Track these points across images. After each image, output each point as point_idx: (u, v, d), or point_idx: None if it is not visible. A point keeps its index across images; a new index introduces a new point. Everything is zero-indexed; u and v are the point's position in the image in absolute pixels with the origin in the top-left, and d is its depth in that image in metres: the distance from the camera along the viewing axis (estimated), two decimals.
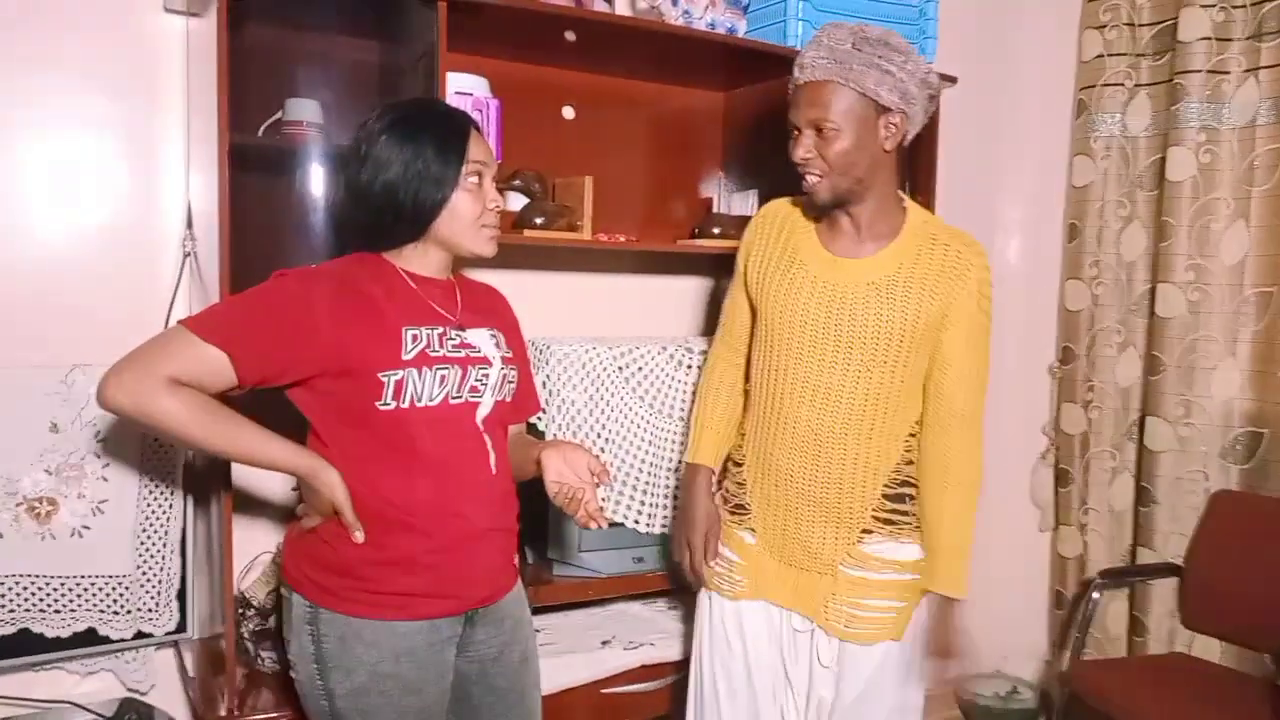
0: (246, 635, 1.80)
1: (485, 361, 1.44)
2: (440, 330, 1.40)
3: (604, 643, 2.00)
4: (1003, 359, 2.78)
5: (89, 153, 1.84)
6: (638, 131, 2.34)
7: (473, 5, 1.75)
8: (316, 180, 1.85)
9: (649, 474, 2.04)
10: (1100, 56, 2.70)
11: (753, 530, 1.68)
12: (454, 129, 1.40)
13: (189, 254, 1.85)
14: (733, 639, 1.69)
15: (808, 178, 1.54)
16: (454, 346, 1.40)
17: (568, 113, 2.25)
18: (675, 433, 2.06)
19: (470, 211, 1.39)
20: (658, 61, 2.18)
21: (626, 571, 2.04)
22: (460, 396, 1.40)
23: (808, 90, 1.51)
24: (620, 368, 1.99)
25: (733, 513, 1.71)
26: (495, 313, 1.54)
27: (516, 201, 2.09)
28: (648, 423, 2.02)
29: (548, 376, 1.92)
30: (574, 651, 1.95)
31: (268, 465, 1.35)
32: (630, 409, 2.01)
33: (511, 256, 2.14)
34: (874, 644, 1.60)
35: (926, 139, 2.28)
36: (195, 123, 1.83)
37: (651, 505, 2.05)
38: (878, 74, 1.47)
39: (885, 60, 1.48)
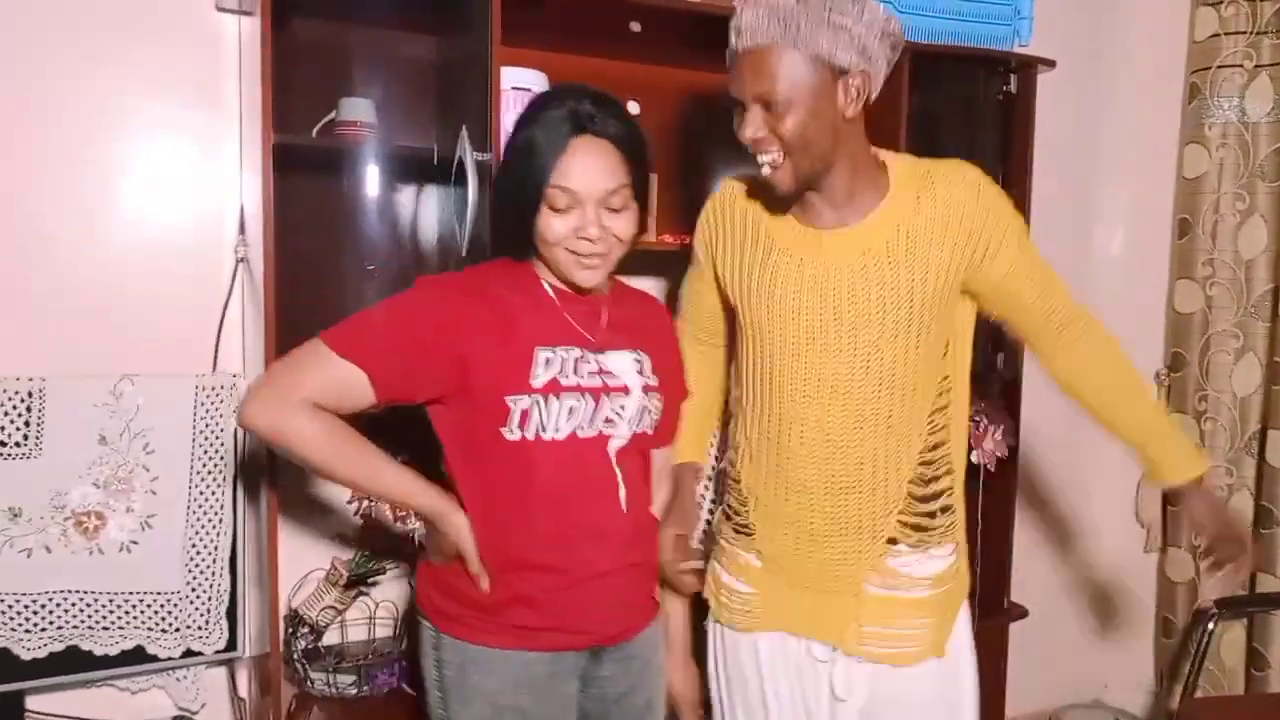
0: (298, 655, 1.74)
1: (623, 390, 1.31)
2: (578, 353, 1.28)
3: None
4: None
5: (142, 157, 1.80)
6: (706, 126, 2.21)
7: None
8: (372, 181, 1.78)
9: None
10: (1215, 36, 2.48)
11: (759, 553, 1.46)
12: (554, 137, 1.23)
13: (241, 259, 1.80)
14: (749, 675, 1.49)
15: (761, 160, 1.30)
16: (590, 373, 1.28)
17: (633, 107, 2.13)
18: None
19: (552, 234, 1.24)
20: (727, 51, 2.06)
21: None
22: (591, 429, 1.28)
23: (750, 59, 1.26)
24: None
25: (736, 533, 1.49)
26: (646, 330, 1.39)
27: None
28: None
29: None
30: None
31: (398, 501, 1.33)
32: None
33: None
34: (914, 664, 1.39)
35: (1022, 127, 2.12)
36: (249, 124, 1.77)
37: None
38: (830, 32, 1.23)
39: (837, 13, 1.24)
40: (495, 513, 1.27)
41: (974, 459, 2.05)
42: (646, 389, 1.33)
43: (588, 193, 1.23)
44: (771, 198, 1.40)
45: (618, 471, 1.31)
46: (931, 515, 1.41)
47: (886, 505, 1.39)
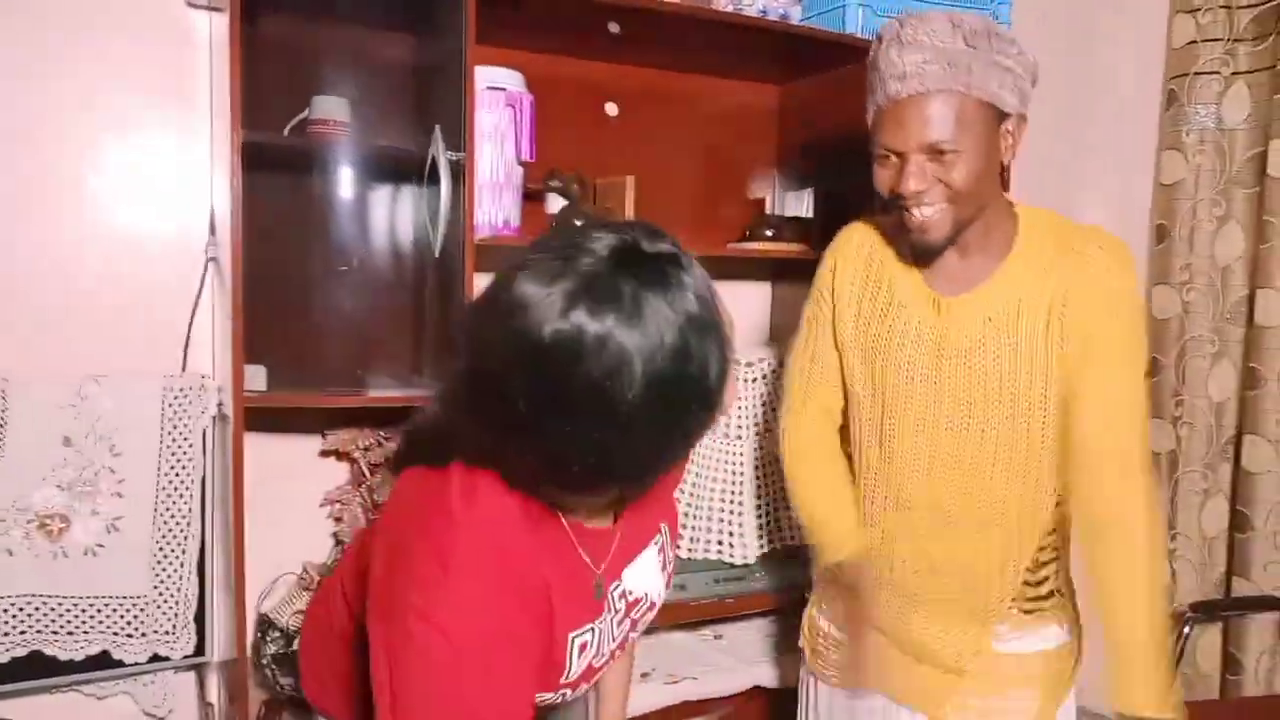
0: (267, 659, 1.71)
1: (650, 607, 1.10)
2: (606, 622, 1.01)
3: (644, 675, 1.86)
4: None
5: (112, 155, 1.77)
6: (685, 128, 2.21)
7: None
8: (345, 181, 1.76)
9: (692, 496, 1.90)
10: (1193, 43, 2.48)
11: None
12: (715, 401, 0.85)
13: (211, 259, 1.77)
14: None
15: (918, 213, 1.20)
16: (618, 620, 1.03)
17: (610, 109, 2.12)
18: (724, 451, 1.92)
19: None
20: (707, 53, 2.05)
21: (668, 599, 1.90)
22: (606, 654, 1.04)
23: (915, 105, 1.16)
24: None
25: (847, 588, 1.40)
26: (665, 482, 1.10)
27: (554, 204, 1.98)
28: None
29: None
30: None
31: None
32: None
33: None
34: None
35: None
36: (219, 122, 1.75)
37: (695, 529, 1.92)
38: (1000, 74, 1.16)
39: (1003, 55, 1.16)
40: None
41: None
42: (668, 581, 1.13)
43: None
44: (899, 246, 1.32)
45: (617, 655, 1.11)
46: (1044, 598, 1.32)
47: (1001, 592, 1.30)
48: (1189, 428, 2.54)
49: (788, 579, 1.98)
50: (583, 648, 0.97)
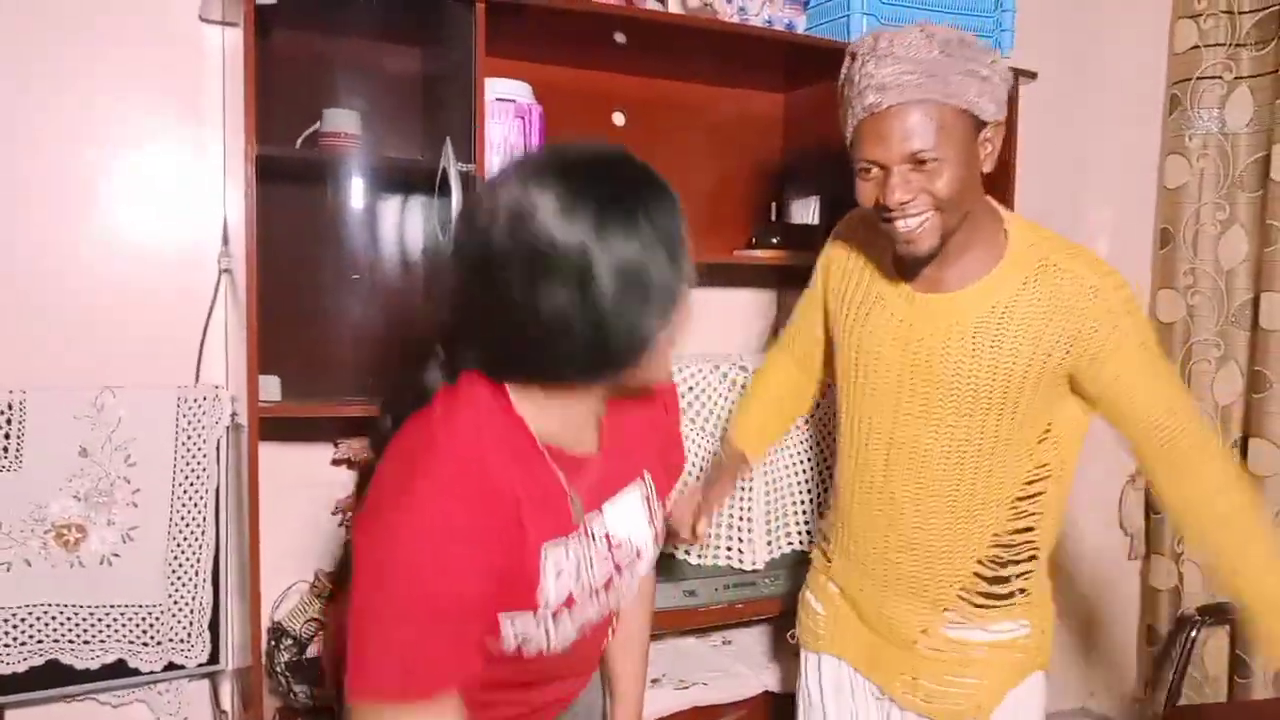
0: (281, 667, 1.73)
1: (638, 556, 1.09)
2: (582, 543, 1.00)
3: (654, 681, 1.87)
4: None
5: (126, 168, 1.79)
6: (691, 137, 2.22)
7: (513, 5, 1.65)
8: (356, 192, 1.78)
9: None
10: (1195, 48, 2.50)
11: (835, 581, 1.51)
12: (678, 229, 0.94)
13: (225, 270, 1.79)
14: (812, 689, 1.53)
15: (904, 224, 1.21)
16: (602, 559, 1.03)
17: (617, 119, 2.14)
18: None
19: (683, 325, 0.97)
20: (712, 62, 2.07)
21: (678, 605, 1.91)
22: (599, 611, 1.05)
23: (896, 116, 1.17)
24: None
25: (822, 556, 1.54)
26: (640, 429, 1.12)
27: None
28: (699, 447, 1.89)
29: None
30: None
31: None
32: (683, 433, 1.89)
33: None
34: None
35: (1004, 138, 2.13)
36: (232, 135, 1.77)
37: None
38: (977, 82, 1.17)
39: (978, 64, 1.18)
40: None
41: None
42: (657, 536, 1.13)
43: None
44: (884, 242, 1.33)
45: (614, 619, 1.15)
46: (1003, 596, 1.36)
47: (948, 576, 1.35)
48: None
49: (797, 584, 1.98)
50: (558, 567, 0.96)
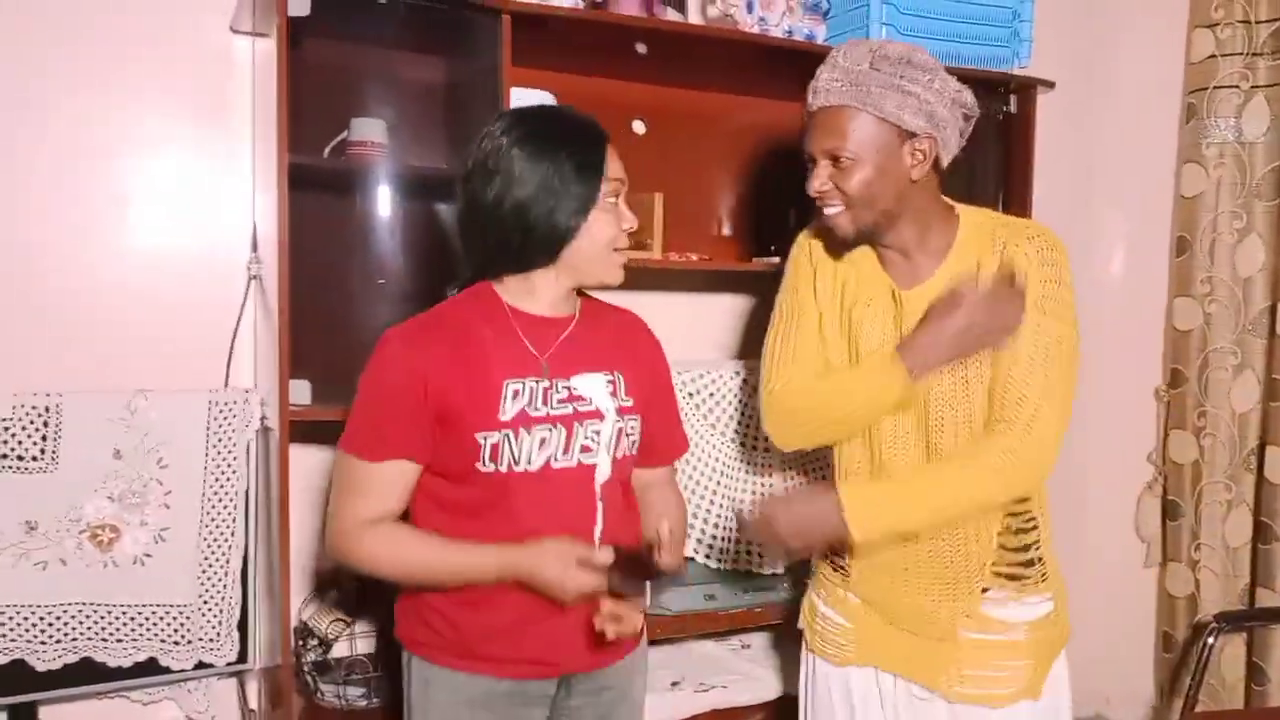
0: (308, 667, 1.76)
1: (597, 415, 1.31)
2: (546, 384, 1.28)
3: (674, 684, 1.90)
4: (1102, 380, 2.62)
5: (157, 176, 1.83)
6: (710, 145, 2.25)
7: (538, 18, 1.69)
8: (383, 200, 1.81)
9: (721, 506, 1.93)
10: (1212, 57, 2.51)
11: (854, 592, 1.52)
12: (592, 141, 1.28)
13: (254, 277, 1.83)
14: (839, 707, 1.53)
15: (826, 211, 1.39)
16: (560, 401, 1.29)
17: (638, 127, 2.17)
18: (750, 463, 1.95)
19: (606, 234, 1.27)
20: (732, 72, 2.09)
21: (698, 609, 1.92)
22: (568, 459, 1.29)
23: (821, 117, 1.36)
24: (691, 394, 1.90)
25: (834, 570, 1.55)
26: (622, 349, 1.38)
27: None
28: (720, 451, 1.91)
29: None
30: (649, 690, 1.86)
31: (481, 579, 1.26)
32: (701, 437, 1.91)
33: None
34: (1008, 705, 1.42)
35: (1022, 147, 2.16)
36: (261, 144, 1.80)
37: (724, 540, 1.95)
38: (899, 96, 1.31)
39: (908, 81, 1.32)
40: (468, 534, 1.27)
41: None
42: (622, 411, 1.33)
43: (624, 187, 1.31)
44: (850, 249, 1.46)
45: (600, 505, 1.31)
46: (1025, 565, 1.44)
47: (981, 555, 1.42)
48: (1212, 439, 2.56)
49: None
50: (515, 394, 1.26)
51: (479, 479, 1.26)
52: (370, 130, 1.76)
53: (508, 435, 1.24)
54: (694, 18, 2.11)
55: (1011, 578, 1.44)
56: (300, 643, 1.79)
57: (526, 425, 1.25)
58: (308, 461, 1.81)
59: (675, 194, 2.02)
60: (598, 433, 1.30)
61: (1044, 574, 1.45)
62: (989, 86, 2.12)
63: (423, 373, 1.24)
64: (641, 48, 1.90)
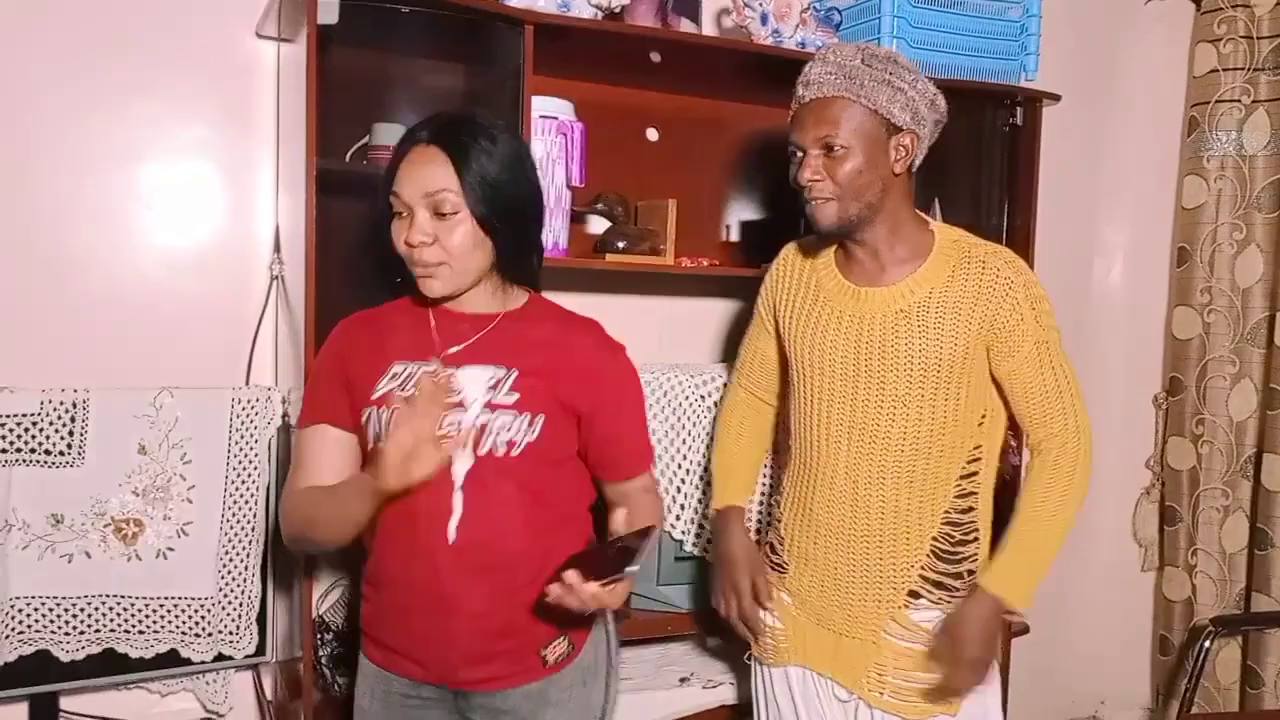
0: (324, 660, 1.79)
1: (458, 405, 1.27)
2: (432, 367, 1.29)
3: (682, 680, 1.93)
4: (1103, 387, 2.67)
5: (180, 178, 1.86)
6: (722, 152, 2.28)
7: (559, 29, 1.72)
8: None
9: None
10: (1214, 71, 2.56)
11: (790, 590, 1.56)
12: (400, 149, 1.30)
13: (276, 277, 1.86)
14: (784, 705, 1.58)
15: (813, 202, 1.43)
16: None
17: (651, 134, 2.21)
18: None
19: (397, 243, 1.29)
20: (745, 82, 2.13)
21: (708, 607, 1.97)
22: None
23: (815, 108, 1.41)
24: (703, 396, 1.94)
25: (773, 569, 1.60)
26: (542, 350, 1.32)
27: (596, 225, 2.06)
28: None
29: None
30: (651, 689, 1.90)
31: (365, 508, 1.24)
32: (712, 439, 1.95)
33: (594, 280, 2.12)
34: (924, 718, 1.46)
35: (1027, 159, 2.19)
36: (285, 147, 1.84)
37: None
38: (890, 91, 1.39)
39: (896, 78, 1.39)
40: (372, 524, 1.30)
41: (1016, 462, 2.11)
42: (493, 406, 1.28)
43: (410, 196, 1.25)
44: (825, 255, 1.54)
45: (457, 496, 1.26)
46: (957, 576, 1.47)
47: (909, 558, 1.46)
48: (1209, 446, 2.60)
49: None
50: (395, 375, 1.30)
51: (369, 455, 1.32)
52: (392, 135, 1.76)
53: (373, 411, 1.30)
54: (708, 28, 2.14)
55: (940, 585, 1.46)
56: (317, 637, 1.82)
57: (388, 404, 1.28)
58: None
59: (687, 200, 2.06)
60: (455, 424, 1.26)
61: (973, 586, 1.46)
62: (996, 99, 2.16)
63: (343, 350, 1.36)
64: (656, 57, 1.94)
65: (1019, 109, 2.18)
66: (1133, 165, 2.78)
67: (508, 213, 1.28)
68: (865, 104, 1.39)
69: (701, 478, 1.93)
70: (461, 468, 1.27)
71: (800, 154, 1.44)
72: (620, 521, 1.26)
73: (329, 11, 1.55)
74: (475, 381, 1.29)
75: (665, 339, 2.25)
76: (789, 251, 1.64)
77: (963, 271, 1.43)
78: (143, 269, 1.84)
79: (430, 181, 1.24)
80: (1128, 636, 2.82)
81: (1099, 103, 2.74)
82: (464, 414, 1.27)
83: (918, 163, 1.46)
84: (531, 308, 1.38)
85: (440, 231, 1.25)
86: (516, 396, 1.28)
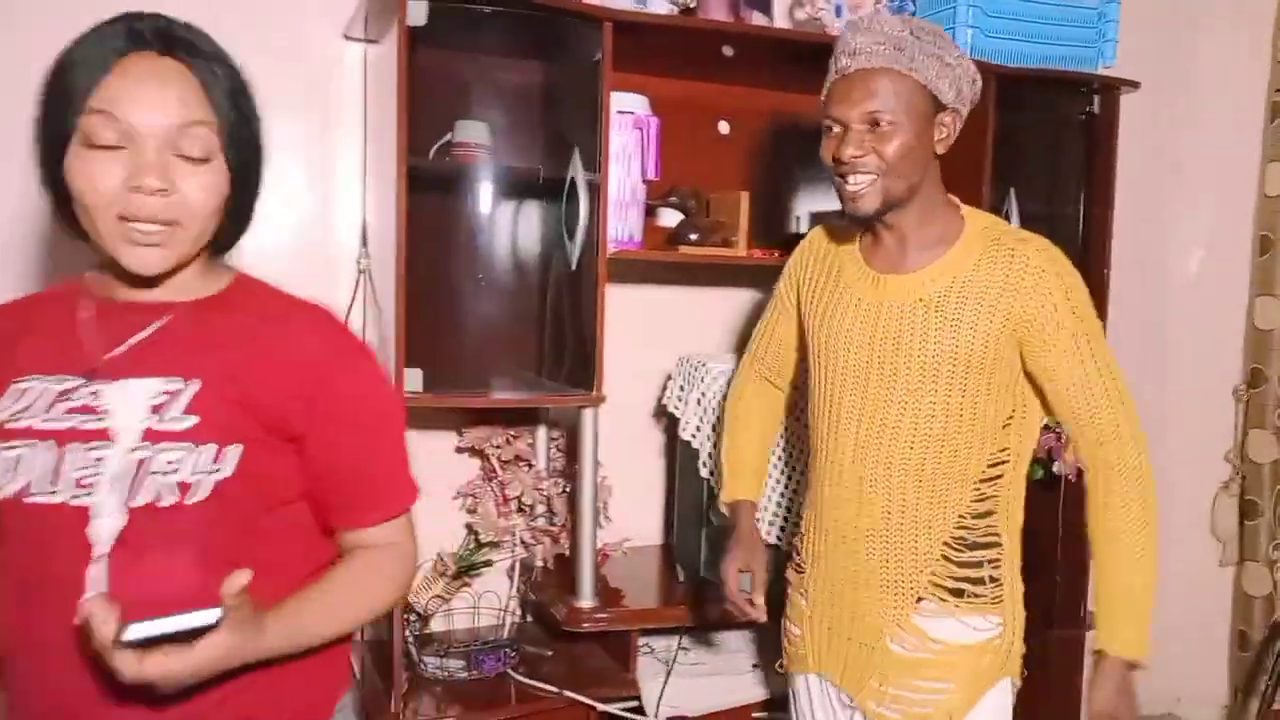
0: (410, 640, 1.86)
1: (100, 436, 0.91)
2: (73, 383, 0.94)
3: (754, 666, 1.96)
4: (1179, 379, 2.63)
5: (269, 175, 1.93)
6: (791, 144, 2.29)
7: (635, 25, 1.76)
8: (484, 198, 1.90)
9: (792, 487, 1.99)
10: None
11: (806, 593, 1.47)
12: (99, 52, 0.91)
13: (363, 271, 1.93)
14: (804, 712, 1.51)
15: (853, 180, 1.31)
16: (68, 411, 0.93)
17: (723, 127, 2.23)
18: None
19: (89, 189, 0.90)
20: (817, 73, 2.14)
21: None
22: (51, 493, 0.90)
23: (860, 79, 1.30)
24: None
25: (795, 572, 1.51)
26: (240, 350, 0.98)
27: (667, 217, 2.09)
28: (796, 435, 1.97)
29: (703, 394, 1.91)
30: (723, 674, 1.93)
31: None
32: (785, 426, 1.97)
33: (667, 273, 2.15)
34: None
35: (1105, 147, 2.17)
36: (372, 145, 1.91)
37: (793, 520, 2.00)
38: (939, 65, 1.30)
39: (944, 52, 1.30)
40: None
41: (1056, 470, 2.10)
42: (156, 436, 0.91)
43: (147, 126, 0.91)
44: (850, 239, 1.46)
45: (98, 569, 0.89)
46: (975, 582, 1.36)
47: (916, 562, 1.36)
48: None
49: None
50: (19, 395, 0.94)
51: None
52: (474, 132, 1.84)
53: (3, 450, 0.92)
54: (780, 20, 2.16)
55: (954, 592, 1.36)
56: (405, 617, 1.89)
57: (4, 436, 0.92)
58: (426, 444, 1.90)
59: (756, 191, 2.08)
60: (98, 462, 0.90)
61: (998, 596, 1.36)
62: (1073, 87, 2.14)
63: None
64: (728, 50, 1.96)
65: (1096, 97, 2.16)
66: (1212, 153, 2.72)
67: (257, 160, 1.03)
68: (915, 77, 1.29)
69: (779, 467, 1.95)
70: (106, 526, 0.89)
71: (837, 129, 1.33)
72: (228, 588, 0.85)
73: (418, 13, 1.60)
74: (132, 402, 0.92)
75: (731, 328, 2.27)
76: (816, 233, 1.55)
77: (989, 260, 1.33)
78: (236, 261, 1.91)
79: (177, 108, 0.92)
80: (1205, 633, 2.77)
81: (1178, 90, 2.68)
82: (111, 449, 0.91)
83: (949, 144, 1.37)
84: (235, 292, 1.04)
85: (182, 179, 0.92)
86: (193, 421, 0.92)
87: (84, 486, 0.90)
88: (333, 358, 1.03)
